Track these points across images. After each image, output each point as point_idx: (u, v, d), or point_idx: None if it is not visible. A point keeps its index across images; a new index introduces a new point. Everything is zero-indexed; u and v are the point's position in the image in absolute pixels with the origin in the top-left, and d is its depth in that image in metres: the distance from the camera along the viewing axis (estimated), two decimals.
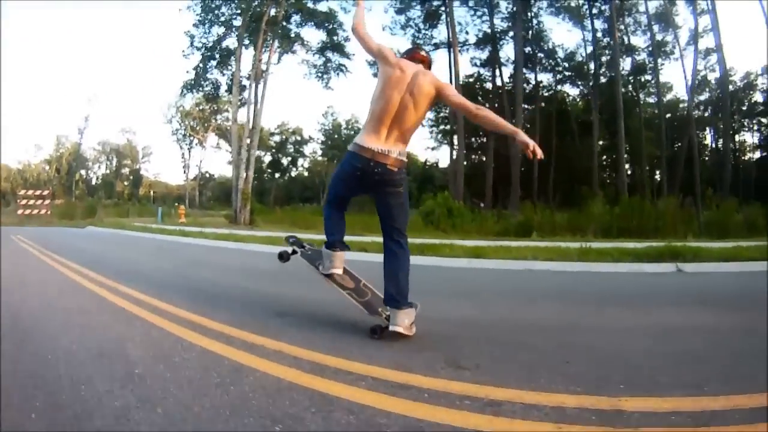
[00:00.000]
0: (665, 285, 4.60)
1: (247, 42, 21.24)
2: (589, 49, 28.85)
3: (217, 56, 22.03)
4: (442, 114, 30.21)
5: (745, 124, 36.30)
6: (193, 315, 2.88)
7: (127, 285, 3.95)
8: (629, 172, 28.57)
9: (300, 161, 52.70)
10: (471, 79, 31.16)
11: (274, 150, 50.09)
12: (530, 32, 28.44)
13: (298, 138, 50.62)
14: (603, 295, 4.04)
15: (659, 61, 27.59)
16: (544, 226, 11.42)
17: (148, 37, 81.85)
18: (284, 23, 21.49)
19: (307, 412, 1.53)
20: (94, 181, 55.57)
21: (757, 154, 36.17)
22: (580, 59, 30.50)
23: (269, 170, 50.49)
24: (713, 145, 35.21)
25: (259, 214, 21.04)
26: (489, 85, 31.70)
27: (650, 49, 27.38)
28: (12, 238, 10.05)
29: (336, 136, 46.29)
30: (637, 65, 28.83)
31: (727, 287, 4.41)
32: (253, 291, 3.99)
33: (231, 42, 21.77)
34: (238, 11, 20.70)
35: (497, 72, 29.88)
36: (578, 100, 34.48)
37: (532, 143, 2.27)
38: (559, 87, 33.23)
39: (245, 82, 21.56)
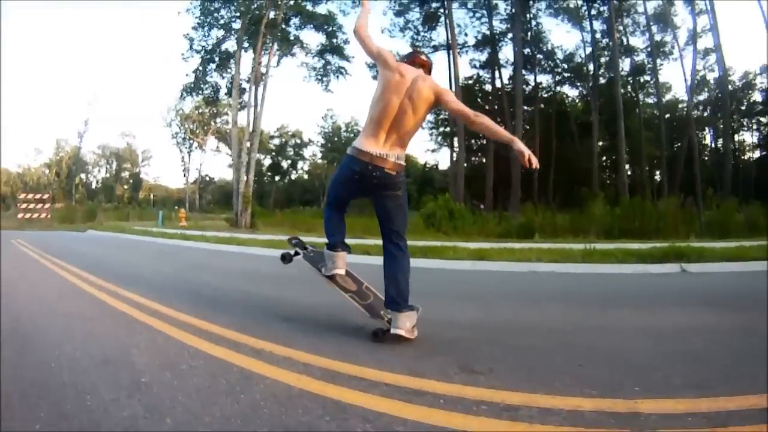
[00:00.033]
0: (670, 286, 4.58)
1: (246, 45, 21.20)
2: (588, 50, 28.92)
3: (217, 59, 21.97)
4: (442, 116, 30.20)
5: (744, 123, 36.36)
6: (198, 320, 2.84)
7: (130, 290, 3.92)
8: (629, 173, 28.56)
9: (300, 164, 52.79)
10: (470, 81, 31.20)
11: (273, 153, 50.09)
12: (529, 34, 28.46)
13: (298, 141, 50.67)
14: (609, 296, 4.02)
15: (658, 61, 27.65)
16: (546, 227, 11.39)
17: (147, 40, 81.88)
18: (283, 26, 21.47)
19: (321, 421, 1.50)
20: (94, 185, 55.56)
21: (757, 154, 36.33)
22: (580, 60, 30.57)
23: (269, 173, 50.45)
24: (713, 145, 35.30)
25: (260, 217, 20.96)
26: (488, 87, 31.79)
27: (649, 49, 27.43)
28: (12, 242, 10.01)
29: (336, 138, 46.31)
30: (636, 66, 28.87)
31: (733, 287, 4.39)
32: (258, 295, 3.95)
33: (230, 45, 21.74)
34: (237, 14, 20.67)
35: (496, 73, 29.98)
36: (577, 101, 34.54)
37: (527, 152, 2.29)
38: (558, 88, 33.32)
39: (245, 85, 21.53)
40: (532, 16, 28.12)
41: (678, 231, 9.65)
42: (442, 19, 26.43)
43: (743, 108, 34.58)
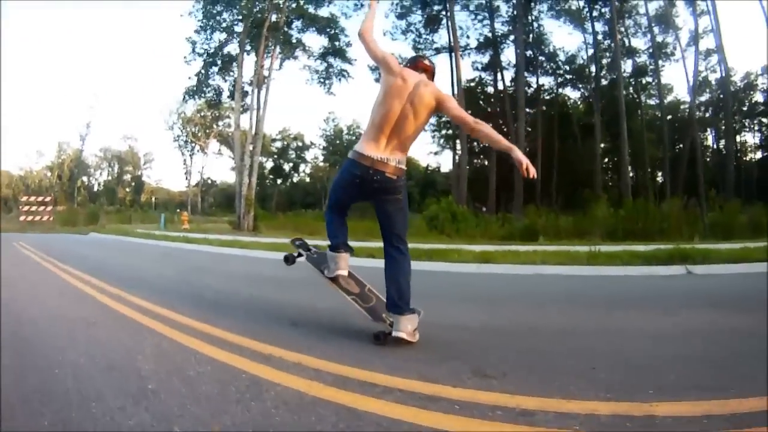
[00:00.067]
0: (677, 287, 4.55)
1: (248, 48, 21.28)
2: (590, 51, 28.88)
3: (219, 62, 22.05)
4: (444, 119, 30.15)
5: (746, 124, 36.33)
6: (205, 325, 2.81)
7: (134, 294, 3.88)
8: (631, 175, 28.51)
9: (302, 167, 52.81)
10: (472, 84, 31.19)
11: (275, 156, 50.14)
12: (531, 36, 28.48)
13: (300, 144, 50.71)
14: (616, 298, 4.01)
15: (660, 62, 27.61)
16: (549, 229, 11.37)
17: (149, 43, 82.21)
18: (286, 29, 21.54)
19: (336, 428, 1.46)
20: (95, 188, 55.62)
21: (759, 155, 36.26)
22: (581, 62, 30.58)
23: (271, 176, 50.48)
24: (714, 146, 35.27)
25: (262, 220, 20.98)
26: (491, 89, 31.79)
27: (651, 50, 27.39)
28: (14, 245, 10.00)
29: (337, 141, 46.29)
30: (638, 67, 28.82)
31: (739, 288, 4.37)
32: (263, 299, 3.92)
33: (233, 48, 21.84)
34: (240, 17, 20.74)
35: (499, 76, 29.98)
36: (580, 103, 34.52)
37: (525, 161, 2.30)
38: (560, 90, 33.38)
39: (247, 88, 21.59)
40: (533, 18, 28.18)
41: (681, 232, 9.62)
42: (444, 21, 26.49)
43: (744, 109, 34.54)
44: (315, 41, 59.73)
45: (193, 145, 48.46)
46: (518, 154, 2.32)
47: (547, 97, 32.92)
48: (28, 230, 18.54)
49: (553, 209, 16.83)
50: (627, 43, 27.98)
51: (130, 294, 3.86)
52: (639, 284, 4.77)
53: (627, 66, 28.49)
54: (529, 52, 28.53)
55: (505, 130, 26.41)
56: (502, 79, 29.57)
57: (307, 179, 52.49)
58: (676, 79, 69.34)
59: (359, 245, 6.24)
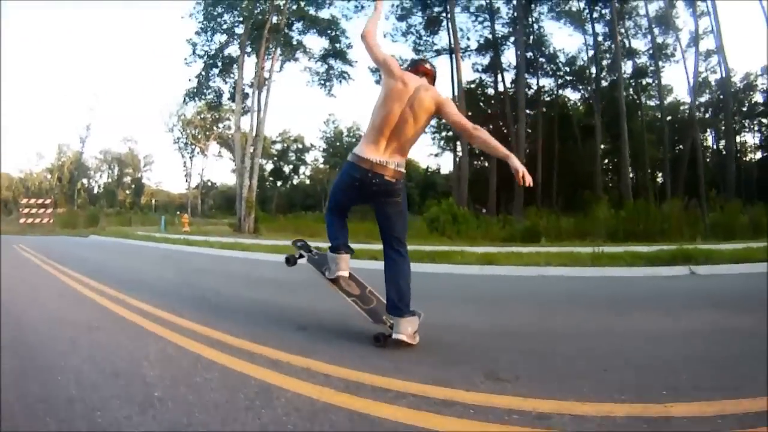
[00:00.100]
0: (680, 288, 4.56)
1: (249, 50, 21.29)
2: (590, 53, 28.96)
3: (220, 64, 22.06)
4: (444, 120, 30.14)
5: (746, 124, 36.36)
6: (208, 329, 2.77)
7: (135, 297, 3.84)
8: (632, 176, 28.52)
9: (302, 169, 52.88)
10: (473, 85, 31.27)
11: (276, 158, 50.16)
12: (531, 37, 28.52)
13: (300, 146, 50.74)
14: (620, 299, 3.99)
15: (660, 63, 27.65)
16: (550, 231, 11.35)
17: (149, 45, 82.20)
18: (286, 31, 21.55)
19: None
20: (95, 190, 55.58)
21: (759, 155, 36.28)
22: (582, 63, 30.66)
23: (271, 178, 50.50)
24: (715, 147, 35.28)
25: (263, 222, 20.96)
26: (491, 91, 31.86)
27: (651, 51, 27.44)
28: (14, 247, 9.96)
29: (338, 143, 46.34)
30: (639, 68, 28.87)
31: (742, 289, 4.36)
32: (266, 302, 3.89)
33: (233, 50, 21.87)
34: (240, 19, 20.76)
35: (499, 77, 30.02)
36: (580, 104, 34.59)
37: (522, 169, 2.30)
38: (560, 91, 33.45)
39: (248, 90, 21.59)
40: (534, 19, 28.27)
41: (683, 233, 9.62)
42: (445, 23, 26.54)
43: (744, 109, 34.59)
44: (315, 43, 60.08)
45: (194, 147, 48.45)
46: (515, 162, 2.32)
47: (548, 99, 32.98)
48: (28, 232, 18.49)
49: (554, 210, 16.81)
50: (627, 45, 28.04)
51: (131, 297, 3.82)
52: (643, 285, 4.77)
53: (627, 67, 28.57)
54: (529, 54, 28.56)
55: (505, 131, 26.46)
56: (503, 80, 29.69)
57: (308, 181, 52.54)
58: (677, 80, 69.58)
59: (360, 247, 6.23)
